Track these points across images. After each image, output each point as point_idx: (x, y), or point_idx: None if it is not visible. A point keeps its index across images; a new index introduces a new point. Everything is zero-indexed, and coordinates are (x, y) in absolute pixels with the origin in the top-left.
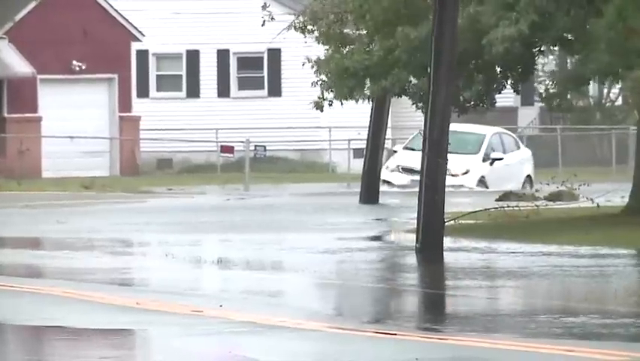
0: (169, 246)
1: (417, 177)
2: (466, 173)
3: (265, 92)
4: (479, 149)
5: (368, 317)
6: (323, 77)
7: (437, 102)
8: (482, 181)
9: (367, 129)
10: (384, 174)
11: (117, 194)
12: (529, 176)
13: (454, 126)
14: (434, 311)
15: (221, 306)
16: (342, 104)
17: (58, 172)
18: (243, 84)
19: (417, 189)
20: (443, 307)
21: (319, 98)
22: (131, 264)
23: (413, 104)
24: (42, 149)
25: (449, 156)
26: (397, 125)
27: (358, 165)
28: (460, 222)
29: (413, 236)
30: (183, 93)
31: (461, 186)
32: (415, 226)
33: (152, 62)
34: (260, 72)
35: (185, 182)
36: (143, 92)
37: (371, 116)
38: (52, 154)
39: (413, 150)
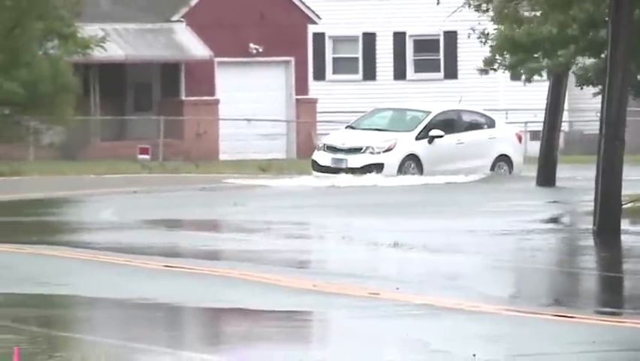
0: (345, 228)
1: (339, 156)
2: (388, 150)
3: (441, 74)
4: (415, 126)
5: (545, 299)
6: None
7: (614, 86)
8: (414, 159)
9: (544, 111)
10: (314, 154)
11: (294, 177)
12: (505, 155)
13: (401, 105)
14: (612, 294)
15: (397, 289)
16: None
17: (236, 155)
18: (419, 67)
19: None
20: (621, 290)
21: (485, 66)
22: (307, 246)
23: (577, 85)
24: (219, 132)
25: (374, 133)
26: (574, 108)
27: (535, 148)
28: (638, 204)
29: (590, 218)
30: (360, 76)
31: (382, 164)
32: (593, 208)
33: (328, 44)
34: (436, 55)
35: None
36: (320, 75)
37: (548, 98)
38: (230, 137)
39: (353, 128)
